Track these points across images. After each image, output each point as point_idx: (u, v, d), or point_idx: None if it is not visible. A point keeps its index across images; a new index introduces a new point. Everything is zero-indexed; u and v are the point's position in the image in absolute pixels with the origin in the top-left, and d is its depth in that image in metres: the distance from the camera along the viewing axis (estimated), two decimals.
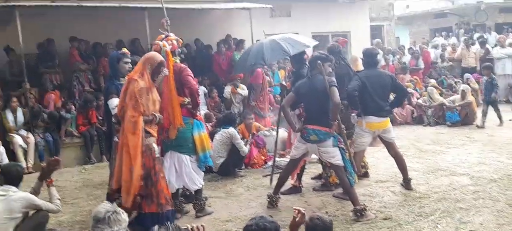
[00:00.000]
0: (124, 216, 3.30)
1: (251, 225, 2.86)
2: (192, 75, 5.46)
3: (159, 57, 4.93)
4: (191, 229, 2.75)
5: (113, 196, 4.85)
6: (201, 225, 2.77)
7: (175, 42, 5.44)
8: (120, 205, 4.68)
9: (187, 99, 5.30)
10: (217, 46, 11.69)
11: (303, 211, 3.35)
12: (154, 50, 5.33)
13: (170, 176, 5.32)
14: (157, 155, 4.88)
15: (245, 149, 7.46)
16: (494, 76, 11.00)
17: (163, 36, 5.49)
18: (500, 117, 10.32)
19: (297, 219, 3.39)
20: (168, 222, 4.35)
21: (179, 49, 5.67)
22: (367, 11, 16.32)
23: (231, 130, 7.43)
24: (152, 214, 4.75)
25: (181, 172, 5.39)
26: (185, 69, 5.37)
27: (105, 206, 3.31)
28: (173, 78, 5.24)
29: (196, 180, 5.49)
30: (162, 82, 5.20)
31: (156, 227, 2.75)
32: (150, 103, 4.71)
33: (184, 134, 5.35)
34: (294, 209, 3.43)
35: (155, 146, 4.84)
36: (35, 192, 4.79)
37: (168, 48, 5.31)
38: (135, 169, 4.59)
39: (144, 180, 4.67)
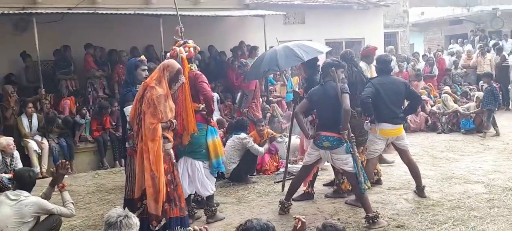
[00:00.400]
0: (136, 220, 3.32)
1: (251, 228, 2.89)
2: (207, 82, 5.50)
3: (177, 65, 4.97)
4: (194, 230, 2.75)
5: (136, 204, 4.86)
6: (204, 227, 2.77)
7: (192, 49, 5.48)
8: (144, 213, 4.74)
9: (201, 106, 5.35)
10: (231, 62, 11.64)
11: (304, 220, 3.30)
12: (171, 56, 5.39)
13: (183, 182, 5.35)
14: (174, 160, 4.93)
15: (261, 149, 7.46)
16: (494, 85, 10.90)
17: (181, 42, 5.54)
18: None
19: (297, 227, 3.36)
20: (178, 227, 4.38)
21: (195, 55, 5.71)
22: (381, 18, 16.26)
23: (243, 135, 7.45)
24: (176, 219, 4.80)
25: (194, 177, 5.42)
26: (200, 76, 5.41)
27: (117, 211, 3.33)
28: (188, 84, 5.29)
29: (208, 186, 5.51)
30: (178, 89, 5.25)
31: None
32: (167, 110, 4.75)
33: (198, 140, 5.38)
34: (295, 217, 3.38)
35: (171, 151, 4.89)
36: (46, 197, 4.83)
37: (184, 54, 5.36)
38: (159, 176, 4.63)
39: (167, 185, 4.74)
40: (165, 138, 4.77)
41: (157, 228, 4.65)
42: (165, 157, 4.74)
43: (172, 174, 4.83)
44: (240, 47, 12.07)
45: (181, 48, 5.43)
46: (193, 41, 5.72)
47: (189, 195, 5.53)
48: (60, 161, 5.15)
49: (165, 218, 4.72)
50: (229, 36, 12.43)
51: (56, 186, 4.89)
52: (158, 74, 4.81)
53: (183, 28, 5.74)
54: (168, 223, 4.75)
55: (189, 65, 5.41)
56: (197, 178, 5.43)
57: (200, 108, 5.33)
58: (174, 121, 4.87)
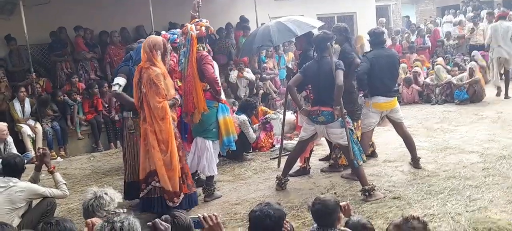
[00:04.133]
0: (109, 196, 3.43)
1: (256, 211, 2.85)
2: (213, 64, 5.43)
3: (159, 38, 4.94)
4: (203, 218, 2.73)
5: (140, 186, 4.89)
6: (214, 214, 2.75)
7: (204, 29, 5.37)
8: (151, 193, 4.76)
9: (207, 86, 5.31)
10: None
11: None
12: (183, 32, 5.32)
13: (190, 159, 5.42)
14: (179, 139, 4.95)
15: (253, 136, 7.49)
16: None
17: (196, 19, 5.45)
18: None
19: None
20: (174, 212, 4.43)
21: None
22: None
23: (243, 117, 7.46)
24: (185, 195, 4.89)
25: (202, 156, 5.42)
26: (205, 57, 5.34)
27: (88, 196, 3.42)
28: (196, 64, 5.24)
29: (214, 166, 5.53)
30: (187, 67, 5.21)
31: (163, 216, 2.74)
32: (169, 88, 4.75)
33: (209, 118, 5.40)
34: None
35: (177, 130, 4.92)
36: (34, 181, 4.80)
37: (194, 33, 5.27)
38: (173, 152, 4.70)
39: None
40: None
41: (178, 203, 4.73)
42: (175, 135, 4.78)
43: (180, 152, 4.89)
44: (241, 22, 12.05)
45: (193, 25, 5.33)
46: (184, 20, 5.64)
47: (193, 174, 5.56)
48: (39, 148, 5.14)
49: (182, 193, 4.78)
50: (221, 14, 12.31)
51: (47, 170, 4.85)
52: (148, 55, 4.74)
53: (200, 3, 5.62)
54: (182, 201, 4.82)
55: (198, 45, 5.33)
56: (205, 157, 5.43)
57: (207, 88, 5.31)
58: (177, 97, 4.88)
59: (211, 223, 2.70)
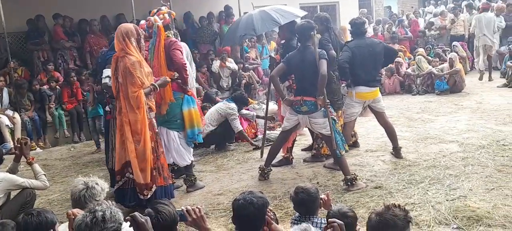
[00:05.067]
0: (100, 187, 3.38)
1: (239, 199, 2.85)
2: (181, 49, 5.38)
3: (130, 25, 4.87)
4: (187, 211, 2.70)
5: (116, 177, 4.84)
6: (197, 207, 2.73)
7: (167, 16, 5.33)
8: (126, 184, 4.72)
9: (176, 74, 5.23)
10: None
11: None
12: (147, 26, 5.25)
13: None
14: (157, 129, 4.88)
15: (239, 127, 7.42)
16: None
17: (155, 10, 5.40)
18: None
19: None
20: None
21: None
22: None
23: (233, 105, 7.39)
24: (161, 188, 4.81)
25: (170, 147, 5.36)
26: (174, 43, 5.28)
27: (78, 186, 3.36)
28: (164, 53, 5.18)
29: (185, 155, 5.47)
30: (153, 57, 5.17)
31: (147, 210, 2.71)
32: (144, 76, 4.66)
33: (173, 110, 5.31)
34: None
35: (154, 120, 4.84)
36: (12, 172, 4.68)
37: (160, 23, 5.22)
38: (146, 142, 4.64)
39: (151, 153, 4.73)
40: (148, 106, 4.72)
41: (149, 196, 4.66)
42: (149, 126, 4.71)
43: (155, 143, 4.81)
44: (226, 11, 11.97)
45: (156, 17, 5.28)
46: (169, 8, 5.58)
47: (168, 165, 5.49)
48: (18, 138, 5.05)
49: (155, 184, 4.71)
50: (204, 3, 12.20)
51: (26, 161, 4.75)
52: (123, 44, 4.65)
53: None
54: (155, 193, 4.74)
55: (166, 33, 5.28)
56: (172, 148, 5.38)
57: (175, 77, 5.23)
58: (156, 84, 4.80)
59: (194, 216, 2.68)
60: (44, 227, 2.79)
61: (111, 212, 2.42)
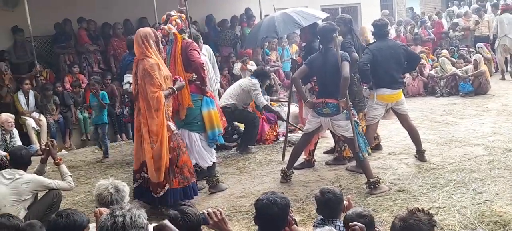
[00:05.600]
0: (127, 188, 3.44)
1: (263, 199, 2.88)
2: (199, 50, 5.44)
3: (150, 29, 4.95)
4: (208, 213, 2.72)
5: (134, 176, 4.97)
6: (218, 210, 2.75)
7: (179, 20, 5.39)
8: (143, 183, 4.80)
9: (194, 75, 5.27)
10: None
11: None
12: (163, 35, 5.32)
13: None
14: (175, 131, 4.92)
15: (263, 101, 7.30)
16: None
17: (165, 17, 5.47)
18: None
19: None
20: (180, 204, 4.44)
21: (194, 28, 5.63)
22: None
23: (256, 81, 7.31)
24: (175, 190, 4.85)
25: (192, 149, 5.42)
26: (191, 44, 5.35)
27: (108, 189, 3.37)
28: (180, 56, 5.24)
29: (206, 157, 5.51)
30: (170, 63, 5.23)
31: (173, 211, 2.73)
32: (163, 78, 4.73)
33: (193, 111, 5.37)
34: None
35: (171, 123, 4.89)
36: (40, 173, 4.82)
37: (174, 30, 5.29)
38: (163, 143, 4.69)
39: (169, 153, 4.79)
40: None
41: (161, 194, 4.73)
42: (167, 126, 4.77)
43: (175, 143, 4.86)
44: (246, 13, 12.02)
45: (169, 24, 5.35)
46: (189, 11, 5.64)
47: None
48: (48, 139, 5.16)
49: (169, 184, 4.77)
50: (228, 5, 12.28)
51: (53, 162, 4.86)
52: (142, 47, 4.73)
53: None
54: (166, 195, 4.78)
55: (181, 35, 5.35)
56: (194, 150, 5.43)
57: (193, 78, 5.27)
58: (174, 87, 4.86)
59: (216, 219, 2.70)
60: (72, 228, 2.83)
61: (131, 217, 2.38)
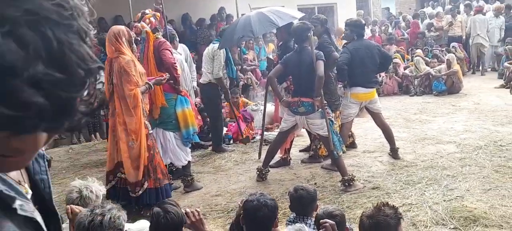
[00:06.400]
0: (93, 195, 3.29)
1: (253, 200, 2.85)
2: (171, 49, 5.40)
3: (123, 27, 4.89)
4: (186, 213, 2.71)
5: (108, 177, 4.89)
6: (196, 210, 2.74)
7: (152, 19, 5.35)
8: (118, 183, 4.75)
9: (167, 75, 5.23)
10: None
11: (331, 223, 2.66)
12: (136, 33, 5.26)
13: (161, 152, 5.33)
14: (150, 131, 4.88)
15: (219, 71, 7.12)
16: None
17: (139, 15, 5.42)
18: None
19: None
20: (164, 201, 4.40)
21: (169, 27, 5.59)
22: None
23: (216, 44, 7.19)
24: (150, 190, 4.81)
25: (166, 148, 5.38)
26: (163, 43, 5.31)
27: (72, 195, 3.26)
28: (153, 56, 5.21)
29: (181, 156, 5.48)
30: (143, 62, 5.19)
31: (155, 208, 2.71)
32: (138, 75, 4.68)
33: (167, 110, 5.33)
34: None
35: (148, 122, 4.85)
36: None
37: (147, 28, 5.25)
38: (142, 141, 4.65)
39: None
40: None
41: (140, 192, 4.69)
42: (144, 125, 4.74)
43: (150, 142, 4.83)
44: (219, 14, 11.96)
45: (142, 22, 5.30)
46: (166, 10, 5.61)
47: (165, 166, 5.51)
48: None
49: (147, 182, 4.73)
50: (204, 3, 12.23)
51: None
52: (115, 45, 4.66)
53: None
54: (144, 193, 4.75)
55: (154, 35, 5.31)
56: (169, 149, 5.41)
57: (166, 78, 5.24)
58: (150, 83, 4.82)
59: (193, 219, 2.69)
60: None
61: (111, 217, 2.36)
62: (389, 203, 2.60)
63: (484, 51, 13.28)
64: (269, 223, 2.83)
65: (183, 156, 5.51)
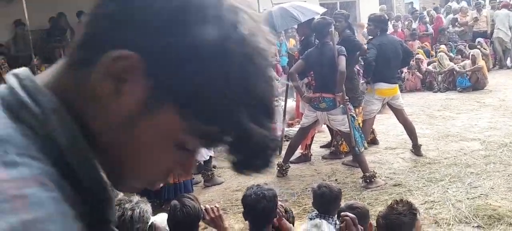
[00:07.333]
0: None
1: (250, 194, 2.86)
2: None
3: None
4: (205, 209, 2.73)
5: None
6: (216, 206, 2.76)
7: None
8: None
9: None
10: None
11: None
12: None
13: None
14: None
15: None
16: None
17: None
18: None
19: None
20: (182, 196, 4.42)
21: None
22: None
23: None
24: (169, 186, 4.84)
25: None
26: None
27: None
28: None
29: (202, 151, 5.51)
30: None
31: (173, 201, 2.74)
32: None
33: None
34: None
35: None
36: None
37: None
38: None
39: None
40: None
41: (158, 187, 4.72)
42: None
43: None
44: None
45: None
46: None
47: None
48: None
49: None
50: None
51: None
52: None
53: None
54: (159, 190, 4.78)
55: None
56: None
57: None
58: None
59: (212, 215, 2.70)
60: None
61: (140, 211, 2.37)
62: (403, 199, 2.57)
63: (507, 46, 13.14)
64: (271, 214, 2.83)
65: (205, 151, 5.54)
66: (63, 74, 0.65)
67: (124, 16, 0.60)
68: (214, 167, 5.79)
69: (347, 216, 2.36)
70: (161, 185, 4.68)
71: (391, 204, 2.55)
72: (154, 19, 0.59)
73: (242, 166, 0.70)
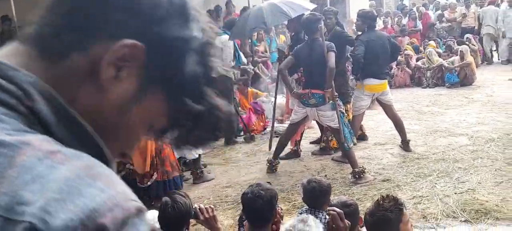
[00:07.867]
0: None
1: (248, 193, 2.86)
2: None
3: None
4: (199, 209, 2.72)
5: (117, 168, 4.94)
6: (210, 207, 2.76)
7: None
8: (132, 173, 4.80)
9: None
10: None
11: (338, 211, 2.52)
12: None
13: None
14: None
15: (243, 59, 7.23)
16: None
17: None
18: None
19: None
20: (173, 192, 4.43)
21: None
22: None
23: (224, 37, 7.15)
24: (158, 182, 4.83)
25: None
26: None
27: None
28: None
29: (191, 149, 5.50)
30: None
31: (164, 198, 2.74)
32: None
33: None
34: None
35: None
36: None
37: None
38: None
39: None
40: None
41: (149, 183, 4.73)
42: None
43: None
44: (228, 7, 11.98)
45: None
46: None
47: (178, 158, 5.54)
48: None
49: (156, 173, 4.76)
50: None
51: None
52: None
53: None
54: (152, 185, 4.78)
55: None
56: None
57: None
58: None
59: (206, 215, 2.70)
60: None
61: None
62: (390, 195, 2.59)
63: (496, 39, 13.35)
64: (269, 213, 2.82)
65: (194, 149, 5.53)
66: (38, 57, 0.64)
67: (130, 4, 0.64)
68: (204, 165, 5.78)
69: (333, 210, 2.37)
70: (150, 182, 4.68)
71: (377, 200, 2.56)
72: (157, 11, 0.64)
73: (193, 140, 0.76)
